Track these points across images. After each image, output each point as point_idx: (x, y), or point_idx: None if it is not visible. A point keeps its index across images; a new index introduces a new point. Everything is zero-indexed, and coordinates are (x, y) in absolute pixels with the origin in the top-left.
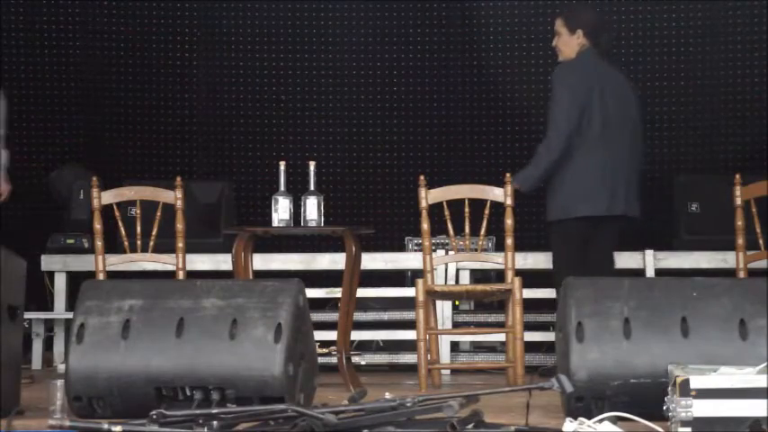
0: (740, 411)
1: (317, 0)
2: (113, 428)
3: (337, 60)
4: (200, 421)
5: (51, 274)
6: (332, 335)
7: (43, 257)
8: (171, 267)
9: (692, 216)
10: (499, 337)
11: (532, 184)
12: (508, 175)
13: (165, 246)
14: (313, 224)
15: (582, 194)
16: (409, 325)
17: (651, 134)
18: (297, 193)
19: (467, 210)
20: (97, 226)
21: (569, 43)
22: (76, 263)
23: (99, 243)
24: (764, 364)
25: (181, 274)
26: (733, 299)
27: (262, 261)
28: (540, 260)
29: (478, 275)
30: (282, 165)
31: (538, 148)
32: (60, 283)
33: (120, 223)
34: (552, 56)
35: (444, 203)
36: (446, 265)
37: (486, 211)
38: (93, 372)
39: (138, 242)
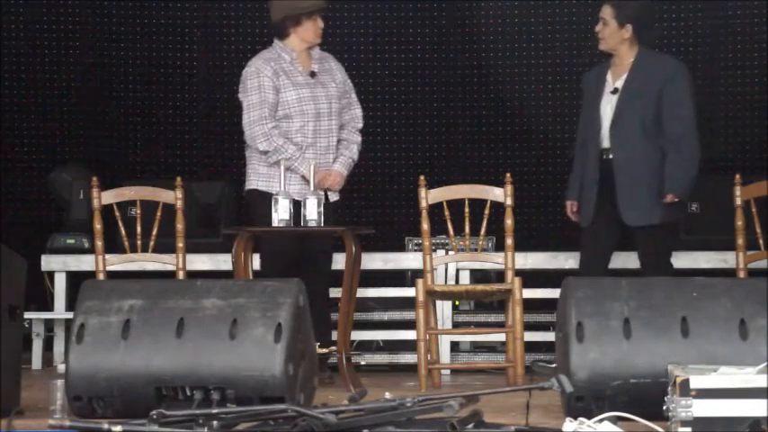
0: (740, 411)
1: None
2: (113, 428)
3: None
4: (201, 421)
5: (51, 274)
6: (332, 335)
7: (43, 257)
8: (171, 267)
9: (692, 216)
10: (499, 337)
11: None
12: (508, 175)
13: (165, 246)
14: (313, 224)
15: None
16: (409, 325)
17: None
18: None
19: (467, 210)
20: (97, 226)
21: (615, 35)
22: (76, 263)
23: (99, 243)
24: (764, 364)
25: (181, 274)
26: (733, 299)
27: None
28: (540, 260)
29: (478, 275)
30: (282, 165)
31: (676, 155)
32: (60, 283)
33: (120, 223)
34: (552, 55)
35: (444, 203)
36: (446, 265)
37: (486, 211)
38: (93, 372)
39: (139, 242)
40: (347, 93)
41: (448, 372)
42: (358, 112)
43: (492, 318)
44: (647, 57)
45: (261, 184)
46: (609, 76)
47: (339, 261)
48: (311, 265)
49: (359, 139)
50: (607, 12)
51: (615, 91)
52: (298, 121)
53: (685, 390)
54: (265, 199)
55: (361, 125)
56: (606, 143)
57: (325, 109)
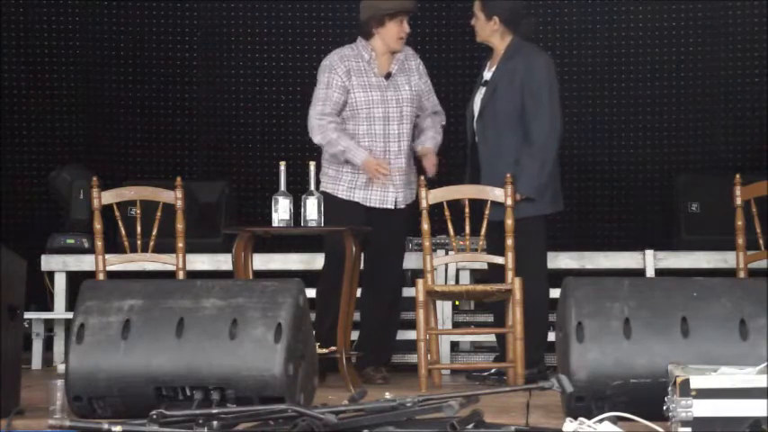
0: (740, 411)
1: (317, 0)
2: (113, 428)
3: None
4: (200, 421)
5: (51, 274)
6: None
7: (43, 257)
8: (171, 267)
9: (692, 216)
10: None
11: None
12: (508, 175)
13: (165, 246)
14: (313, 224)
15: (557, 191)
16: (409, 325)
17: (651, 134)
18: (297, 193)
19: (467, 210)
20: (97, 226)
21: (485, 28)
22: (76, 263)
23: (99, 243)
24: (764, 364)
25: (181, 274)
26: (733, 299)
27: (262, 261)
28: None
29: (478, 275)
30: (282, 165)
31: (527, 154)
32: (60, 283)
33: (120, 223)
34: (552, 55)
35: (444, 203)
36: (446, 265)
37: (487, 212)
38: (93, 372)
39: (138, 242)
40: (425, 94)
41: (448, 372)
42: (436, 104)
43: (492, 318)
44: (515, 49)
45: (329, 187)
46: (486, 69)
47: None
48: (381, 270)
49: (441, 128)
50: (476, 6)
51: (485, 83)
52: (364, 125)
53: (685, 390)
54: (330, 201)
55: (439, 119)
56: (476, 136)
57: (394, 113)
